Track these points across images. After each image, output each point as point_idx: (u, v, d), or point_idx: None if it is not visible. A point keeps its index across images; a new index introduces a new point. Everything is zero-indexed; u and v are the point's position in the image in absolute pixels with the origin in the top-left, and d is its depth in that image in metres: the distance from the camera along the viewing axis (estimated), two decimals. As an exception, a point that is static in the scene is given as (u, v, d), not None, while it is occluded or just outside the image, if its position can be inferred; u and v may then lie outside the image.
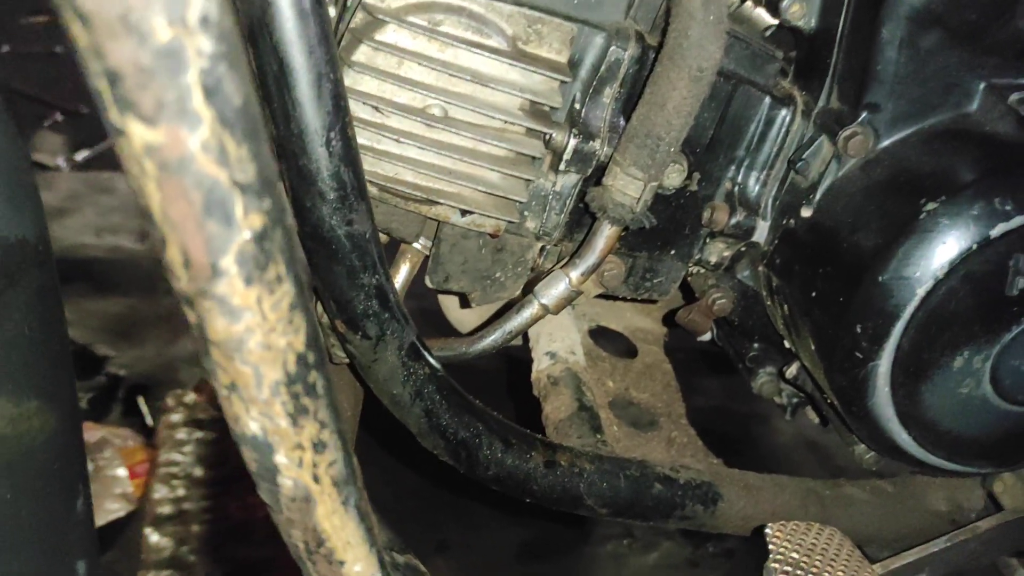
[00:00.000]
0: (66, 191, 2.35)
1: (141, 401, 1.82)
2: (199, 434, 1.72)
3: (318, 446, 0.41)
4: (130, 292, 2.16)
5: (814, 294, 0.76)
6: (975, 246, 0.67)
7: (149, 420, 1.78)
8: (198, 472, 1.65)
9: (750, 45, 0.78)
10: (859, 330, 0.71)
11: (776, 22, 0.81)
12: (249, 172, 0.32)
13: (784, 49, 0.82)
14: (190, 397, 1.80)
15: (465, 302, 0.87)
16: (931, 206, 0.68)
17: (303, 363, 0.38)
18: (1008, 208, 0.67)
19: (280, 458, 0.40)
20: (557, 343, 0.98)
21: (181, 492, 1.55)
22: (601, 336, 1.13)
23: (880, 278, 0.69)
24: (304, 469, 0.41)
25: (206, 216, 0.32)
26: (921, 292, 0.68)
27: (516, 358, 1.12)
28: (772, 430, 1.60)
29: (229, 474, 1.65)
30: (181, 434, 1.72)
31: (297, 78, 0.58)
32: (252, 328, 0.35)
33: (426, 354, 0.73)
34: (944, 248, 0.68)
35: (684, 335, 1.05)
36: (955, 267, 0.68)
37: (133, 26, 0.27)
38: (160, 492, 1.51)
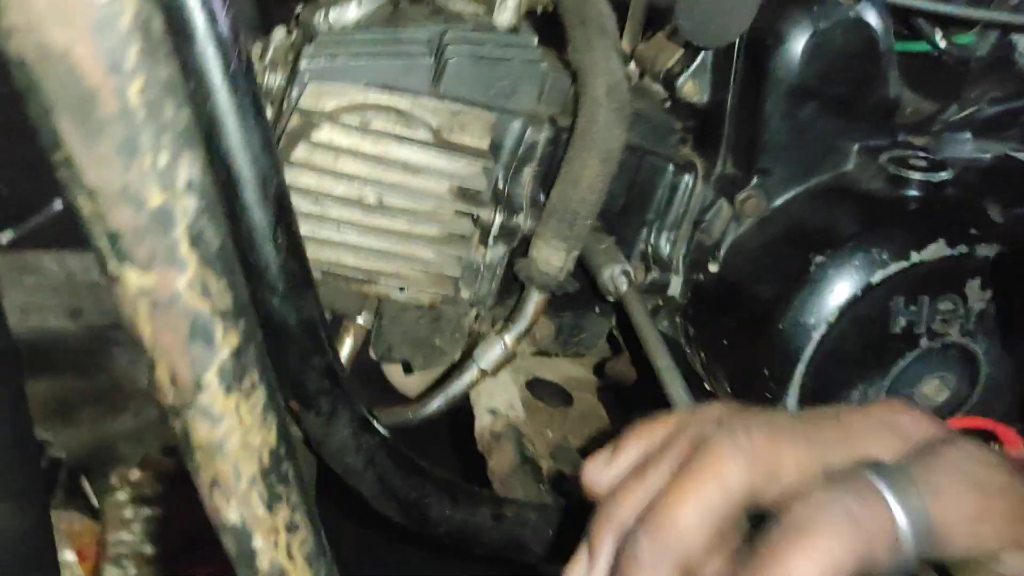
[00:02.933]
0: (-12, 274, 2.32)
1: (84, 482, 1.80)
2: (147, 511, 1.72)
3: (291, 527, 0.46)
4: (61, 371, 2.14)
5: (725, 341, 0.84)
6: (859, 292, 0.76)
7: (94, 501, 1.77)
8: (148, 550, 1.65)
9: (651, 120, 0.87)
10: (767, 373, 0.79)
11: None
12: (227, 300, 0.38)
13: (682, 119, 0.91)
14: (134, 474, 1.80)
15: (408, 369, 0.93)
16: (819, 259, 0.77)
17: (275, 456, 0.43)
18: (884, 257, 0.76)
19: (257, 542, 0.45)
20: (497, 399, 1.04)
21: (132, 571, 1.54)
22: (537, 385, 1.20)
23: (780, 325, 0.77)
24: (279, 550, 0.46)
25: (191, 342, 0.37)
26: (817, 336, 0.77)
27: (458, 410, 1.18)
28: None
29: (179, 549, 1.65)
30: (128, 512, 1.72)
31: (244, 184, 0.63)
32: (231, 431, 0.41)
33: (375, 423, 0.79)
34: (833, 295, 0.76)
35: (615, 381, 1.12)
36: (844, 311, 0.76)
37: (131, 196, 0.33)
38: (111, 573, 1.51)
